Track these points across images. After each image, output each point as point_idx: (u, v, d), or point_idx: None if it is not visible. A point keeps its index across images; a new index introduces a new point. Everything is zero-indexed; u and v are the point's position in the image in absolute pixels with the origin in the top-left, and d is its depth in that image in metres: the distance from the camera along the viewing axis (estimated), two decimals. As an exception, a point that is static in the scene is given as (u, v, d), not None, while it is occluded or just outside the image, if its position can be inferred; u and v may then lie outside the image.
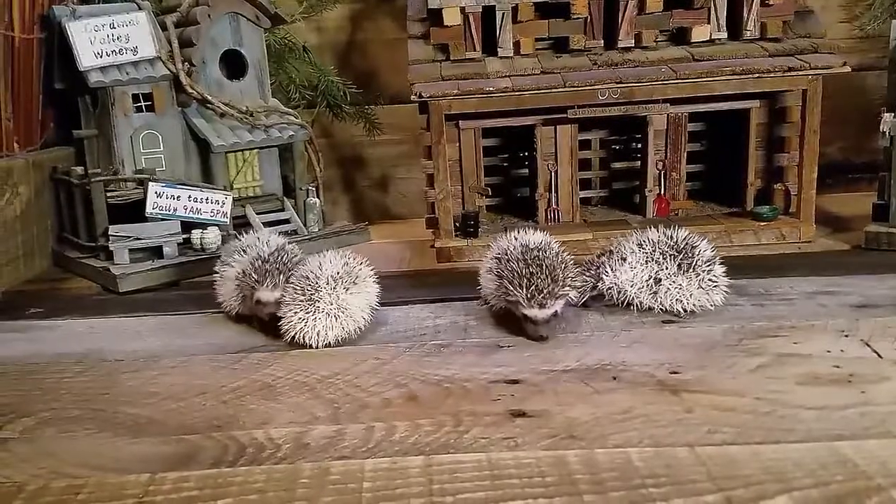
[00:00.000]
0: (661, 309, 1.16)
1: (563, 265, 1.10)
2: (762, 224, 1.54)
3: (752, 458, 0.76)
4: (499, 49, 1.54)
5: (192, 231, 1.54)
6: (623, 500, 0.70)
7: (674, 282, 1.15)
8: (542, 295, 1.06)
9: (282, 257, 1.16)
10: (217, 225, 1.56)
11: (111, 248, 1.47)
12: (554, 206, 1.63)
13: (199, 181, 1.62)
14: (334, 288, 1.09)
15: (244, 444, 0.84)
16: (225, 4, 1.63)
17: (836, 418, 0.83)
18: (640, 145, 1.65)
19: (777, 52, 1.50)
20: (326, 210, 1.82)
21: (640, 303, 1.17)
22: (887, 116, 1.43)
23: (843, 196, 1.94)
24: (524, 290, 1.06)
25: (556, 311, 1.08)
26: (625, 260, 1.18)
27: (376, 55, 2.04)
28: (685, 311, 1.15)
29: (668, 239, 1.18)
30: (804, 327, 1.08)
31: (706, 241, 1.18)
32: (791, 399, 0.88)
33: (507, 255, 1.12)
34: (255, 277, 1.14)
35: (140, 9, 1.58)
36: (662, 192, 1.62)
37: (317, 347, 1.09)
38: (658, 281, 1.16)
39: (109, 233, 1.48)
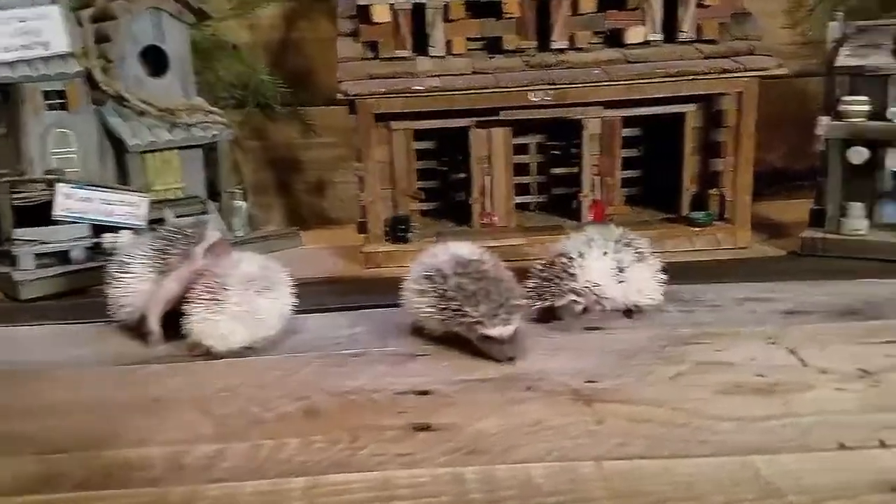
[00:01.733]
0: (625, 304, 1.11)
1: (507, 275, 1.02)
2: (697, 230, 1.50)
3: (662, 474, 0.71)
4: (430, 48, 1.49)
5: (104, 235, 1.45)
6: (517, 522, 0.65)
7: (635, 272, 1.10)
8: (503, 309, 0.97)
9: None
10: (131, 229, 1.48)
11: (14, 253, 1.39)
12: (489, 210, 1.57)
13: (115, 183, 1.53)
14: (246, 289, 1.02)
15: (115, 464, 0.77)
16: (145, -2, 1.56)
17: (755, 430, 0.79)
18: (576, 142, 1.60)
19: (713, 54, 1.47)
20: (258, 215, 1.75)
21: (609, 299, 1.10)
22: (824, 120, 1.40)
23: (784, 203, 1.91)
24: (481, 307, 0.96)
25: (518, 327, 0.99)
26: (583, 256, 1.09)
27: (312, 55, 1.97)
28: (639, 308, 1.11)
29: (610, 233, 1.12)
30: (729, 334, 1.04)
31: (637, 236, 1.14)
32: (708, 409, 0.83)
33: (440, 272, 1.02)
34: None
35: (53, 2, 1.49)
36: (598, 197, 1.58)
37: (218, 352, 1.01)
38: (622, 270, 1.09)
39: (13, 237, 1.40)
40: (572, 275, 1.08)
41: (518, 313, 0.98)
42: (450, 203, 1.70)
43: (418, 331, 1.08)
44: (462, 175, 1.67)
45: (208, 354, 1.02)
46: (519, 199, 1.63)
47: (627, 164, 1.63)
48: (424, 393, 0.91)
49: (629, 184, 1.66)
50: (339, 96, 1.40)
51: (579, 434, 0.79)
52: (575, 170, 1.62)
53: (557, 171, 1.69)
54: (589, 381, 0.91)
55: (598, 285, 1.08)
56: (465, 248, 1.06)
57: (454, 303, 0.99)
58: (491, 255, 1.06)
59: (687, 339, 1.03)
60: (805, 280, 1.27)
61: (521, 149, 1.64)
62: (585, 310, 1.10)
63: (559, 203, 1.68)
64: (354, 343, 1.08)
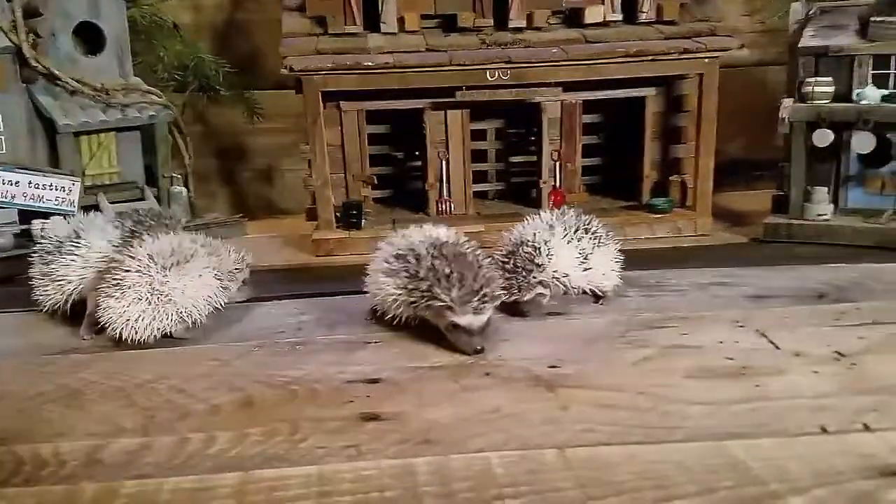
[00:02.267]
0: (589, 290, 1.05)
1: (486, 261, 0.95)
2: (657, 217, 1.45)
3: (628, 461, 0.65)
4: (382, 24, 1.42)
5: (34, 221, 1.35)
6: (472, 516, 0.58)
7: (598, 258, 1.05)
8: (477, 298, 0.88)
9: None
10: (63, 214, 1.38)
11: (-68, 240, 1.28)
12: (446, 196, 1.51)
13: (46, 166, 1.43)
14: (151, 270, 0.92)
15: (24, 459, 0.69)
16: (78, -30, 1.46)
17: (727, 415, 0.73)
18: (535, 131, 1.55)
19: (673, 34, 1.42)
20: (201, 204, 1.66)
21: (576, 288, 1.04)
22: (787, 102, 1.37)
23: (743, 195, 1.88)
24: (454, 292, 0.88)
25: (490, 317, 0.91)
26: (548, 243, 1.02)
27: (259, 37, 1.88)
28: (605, 292, 1.06)
29: (570, 217, 1.06)
30: (695, 318, 0.99)
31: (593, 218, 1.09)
32: (677, 394, 0.78)
33: (414, 251, 0.94)
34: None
35: (-25, -29, 1.39)
36: (558, 184, 1.52)
37: (134, 342, 0.92)
38: (586, 257, 1.04)
39: (-68, 222, 1.29)
40: (539, 265, 1.00)
41: (493, 303, 0.91)
42: (405, 190, 1.63)
43: (379, 319, 0.99)
44: (418, 162, 1.60)
45: (121, 343, 0.93)
46: (477, 188, 1.57)
47: (588, 151, 1.58)
48: (374, 381, 0.84)
49: (589, 172, 1.61)
50: (283, 72, 1.32)
51: (541, 421, 0.73)
52: (534, 158, 1.57)
53: (516, 159, 1.64)
54: (551, 367, 0.85)
55: (567, 275, 1.02)
56: (441, 230, 0.99)
57: (425, 283, 0.90)
58: (469, 240, 0.99)
59: (651, 324, 0.98)
60: (769, 266, 1.22)
61: (478, 135, 1.58)
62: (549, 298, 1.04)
63: (518, 192, 1.62)
64: (299, 332, 1.00)
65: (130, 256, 0.93)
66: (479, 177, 1.59)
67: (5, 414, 0.79)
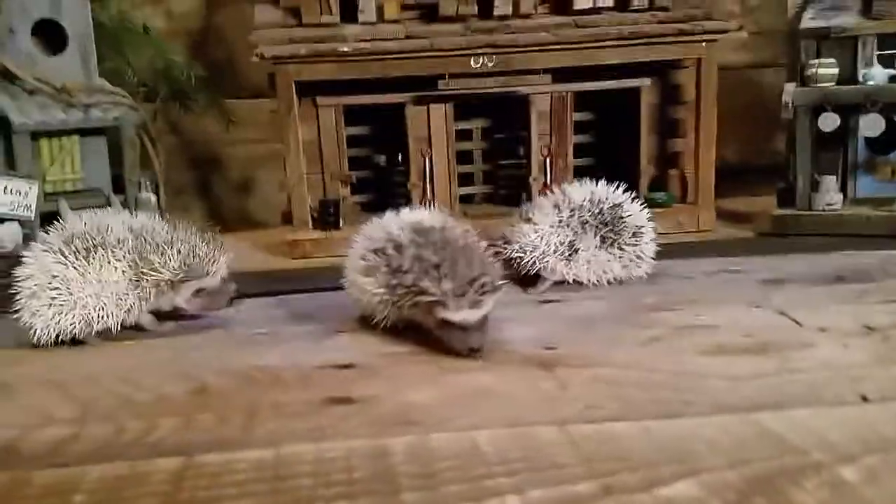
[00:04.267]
0: (573, 280, 0.97)
1: (482, 249, 0.81)
2: (657, 211, 1.35)
3: (642, 436, 0.55)
4: (359, 13, 1.34)
5: (-14, 226, 1.25)
6: (456, 496, 0.48)
7: (594, 255, 0.97)
8: (474, 290, 0.74)
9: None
10: (18, 220, 1.28)
11: None
12: (429, 197, 1.41)
13: (2, 170, 1.33)
14: (51, 258, 0.81)
15: (-75, 452, 0.58)
16: (38, -35, 1.38)
17: (753, 388, 0.63)
18: (524, 133, 1.47)
19: (668, 19, 1.35)
20: (175, 216, 1.55)
21: (553, 272, 0.97)
22: (789, 86, 1.29)
23: (743, 199, 1.80)
24: (445, 284, 0.74)
25: (488, 312, 0.76)
26: (533, 223, 0.97)
27: (236, 43, 1.80)
28: (598, 283, 0.98)
29: (591, 205, 0.99)
30: (706, 300, 0.90)
31: (638, 204, 1.02)
32: (693, 369, 0.68)
33: (395, 242, 0.80)
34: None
35: (-74, -38, 1.31)
36: (548, 181, 1.43)
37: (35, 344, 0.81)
38: (575, 250, 0.96)
39: None
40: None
41: (492, 294, 0.75)
42: (386, 194, 1.54)
43: (359, 318, 0.87)
44: (400, 167, 1.52)
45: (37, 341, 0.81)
46: (463, 190, 1.48)
47: (581, 151, 1.49)
48: (346, 367, 0.73)
49: (581, 172, 1.52)
50: (254, 58, 1.24)
51: (537, 399, 0.63)
52: (522, 159, 1.49)
53: (504, 162, 1.55)
54: (548, 348, 0.75)
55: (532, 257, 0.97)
56: (423, 214, 0.85)
57: (409, 276, 0.76)
58: (459, 221, 0.85)
59: (657, 307, 0.88)
60: (779, 255, 1.13)
61: (464, 135, 1.50)
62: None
63: (507, 195, 1.54)
64: (269, 323, 0.90)
65: (41, 238, 0.81)
66: (465, 180, 1.51)
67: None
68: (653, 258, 1.01)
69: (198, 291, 0.87)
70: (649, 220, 1.03)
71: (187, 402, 0.66)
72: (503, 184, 1.54)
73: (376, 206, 1.51)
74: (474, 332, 0.74)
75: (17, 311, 0.81)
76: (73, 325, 0.80)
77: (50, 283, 0.79)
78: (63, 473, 0.53)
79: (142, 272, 0.83)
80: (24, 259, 0.81)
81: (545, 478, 0.49)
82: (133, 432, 0.60)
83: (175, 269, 0.84)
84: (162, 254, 0.84)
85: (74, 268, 0.80)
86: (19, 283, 0.80)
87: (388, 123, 1.43)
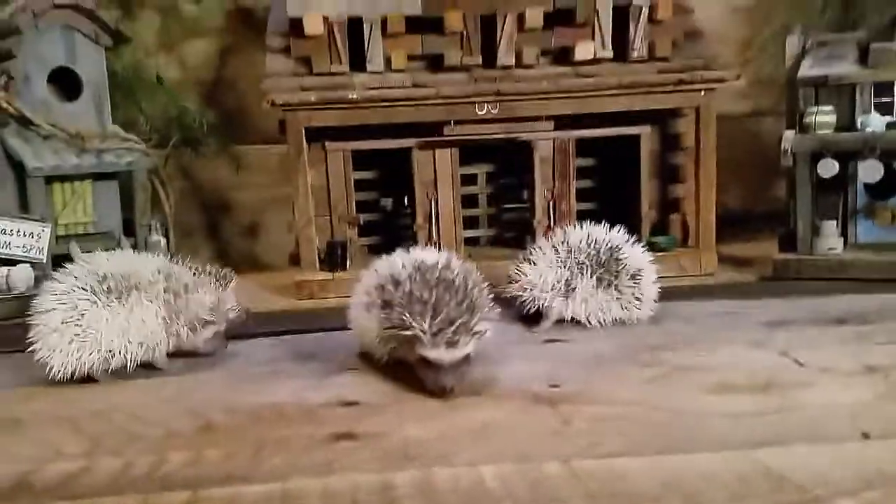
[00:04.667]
0: (571, 318, 0.99)
1: (476, 288, 0.80)
2: (659, 254, 1.37)
3: (647, 472, 0.55)
4: (367, 63, 1.37)
5: (-1, 268, 1.28)
6: (462, 528, 0.48)
7: (591, 295, 0.99)
8: (453, 330, 0.74)
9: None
10: (30, 262, 1.30)
11: None
12: (435, 239, 1.43)
13: (16, 212, 1.36)
14: (79, 295, 0.82)
15: (-62, 485, 0.59)
16: (56, 15, 1.43)
17: (755, 424, 0.64)
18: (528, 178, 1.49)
19: (667, 69, 1.38)
20: (183, 258, 1.58)
21: (551, 309, 0.99)
22: (788, 133, 1.31)
23: (743, 245, 1.81)
24: (426, 321, 0.74)
25: (469, 354, 0.76)
26: (532, 262, 1.00)
27: (246, 93, 1.85)
28: (600, 323, 1.00)
29: (588, 247, 1.02)
30: (708, 341, 0.91)
31: (638, 247, 1.04)
32: (697, 407, 0.69)
33: (394, 278, 0.81)
34: None
35: (-52, 12, 1.36)
36: (552, 224, 1.45)
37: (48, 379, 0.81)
38: (572, 289, 0.97)
39: None
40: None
41: (472, 336, 0.75)
42: (393, 237, 1.56)
43: (364, 356, 0.89)
44: (407, 210, 1.54)
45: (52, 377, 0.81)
46: (468, 233, 1.50)
47: (582, 196, 1.51)
48: (351, 404, 0.74)
49: (584, 216, 1.54)
50: (265, 105, 1.27)
51: (541, 434, 0.64)
52: (526, 203, 1.51)
53: (509, 206, 1.57)
54: (552, 386, 0.76)
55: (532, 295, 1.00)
56: (429, 254, 0.85)
57: (397, 311, 0.77)
58: (464, 262, 0.85)
59: (660, 346, 0.89)
60: (781, 298, 1.14)
61: (469, 180, 1.52)
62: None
63: (511, 238, 1.56)
64: (273, 362, 0.91)
65: (66, 274, 0.83)
66: (471, 223, 1.53)
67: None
68: (655, 300, 1.02)
69: (215, 333, 0.90)
70: (651, 262, 1.04)
71: (195, 438, 0.67)
72: (507, 227, 1.57)
73: (382, 249, 1.53)
74: (449, 373, 0.74)
75: (29, 348, 0.81)
76: (92, 362, 0.81)
77: (77, 321, 0.80)
78: (74, 505, 0.54)
79: (176, 313, 0.85)
80: (49, 295, 0.82)
81: (551, 511, 0.50)
82: (142, 466, 0.61)
83: (208, 311, 0.88)
84: (194, 294, 0.88)
85: (106, 306, 0.81)
86: (42, 318, 0.81)
87: (395, 168, 1.46)
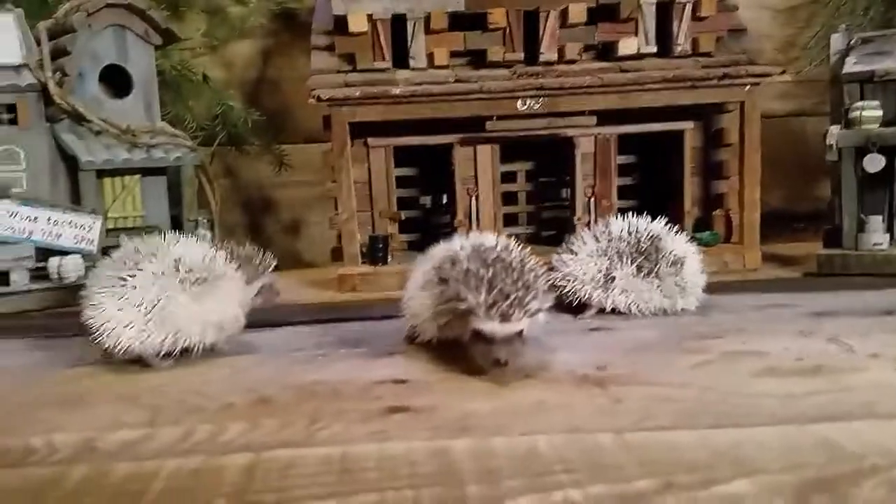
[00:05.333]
0: (613, 308, 1.00)
1: (532, 271, 0.79)
2: (702, 250, 1.37)
3: (698, 443, 0.56)
4: (410, 60, 1.39)
5: (51, 258, 1.31)
6: (519, 489, 0.49)
7: (630, 284, 0.99)
8: (508, 303, 0.74)
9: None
10: (81, 253, 1.34)
11: (-56, 272, 1.24)
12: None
13: (67, 205, 1.40)
14: (165, 279, 0.83)
15: (11, 448, 0.61)
16: (108, 15, 1.47)
17: (807, 405, 0.64)
18: (568, 178, 1.50)
19: (711, 64, 1.38)
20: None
21: (591, 299, 1.01)
22: (833, 129, 1.31)
23: (786, 244, 1.80)
24: (482, 294, 0.74)
25: (522, 331, 0.75)
26: (574, 252, 1.02)
27: (289, 92, 1.88)
28: (642, 312, 1.00)
29: (629, 235, 1.02)
30: (756, 330, 0.90)
31: (681, 237, 1.04)
32: (747, 389, 0.69)
33: (452, 257, 0.81)
34: None
35: (7, 11, 1.40)
36: (593, 221, 1.46)
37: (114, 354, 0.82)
38: (611, 278, 0.98)
39: (-54, 255, 1.25)
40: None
41: (527, 313, 0.75)
42: (432, 234, 1.57)
43: (411, 341, 0.89)
44: (444, 206, 1.56)
45: (110, 357, 0.83)
46: (507, 231, 1.51)
47: (623, 193, 1.51)
48: (401, 382, 0.75)
49: (624, 213, 1.54)
50: (311, 100, 1.29)
51: (592, 411, 0.64)
52: (566, 202, 1.52)
53: (548, 204, 1.58)
54: (599, 368, 0.76)
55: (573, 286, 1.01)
56: (489, 238, 0.85)
57: (453, 284, 0.77)
58: (521, 247, 0.85)
59: (706, 335, 0.89)
60: (826, 291, 1.13)
61: (509, 177, 1.53)
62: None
63: (550, 236, 1.56)
64: (322, 347, 0.92)
65: (152, 256, 0.85)
66: (509, 221, 1.54)
67: (-4, 415, 0.71)
68: (700, 290, 1.02)
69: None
70: (695, 252, 1.04)
71: (251, 410, 0.68)
72: (546, 225, 1.57)
73: (421, 245, 1.54)
74: (502, 347, 0.73)
75: (89, 331, 0.83)
76: (160, 345, 0.82)
77: (157, 303, 0.81)
78: (140, 466, 0.56)
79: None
80: (132, 276, 0.82)
81: (605, 476, 0.50)
82: (202, 433, 0.62)
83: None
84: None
85: (188, 292, 0.83)
86: (105, 299, 0.82)
87: (434, 164, 1.48)
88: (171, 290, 0.82)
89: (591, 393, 0.69)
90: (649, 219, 1.05)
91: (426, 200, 1.59)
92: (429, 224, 1.59)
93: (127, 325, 0.80)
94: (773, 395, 0.67)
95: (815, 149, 1.79)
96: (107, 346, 0.82)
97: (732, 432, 0.57)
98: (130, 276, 0.82)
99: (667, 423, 0.60)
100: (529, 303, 0.76)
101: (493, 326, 0.74)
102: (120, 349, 0.81)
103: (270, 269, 0.95)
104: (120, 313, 0.81)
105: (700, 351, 0.82)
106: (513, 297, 0.75)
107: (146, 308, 0.80)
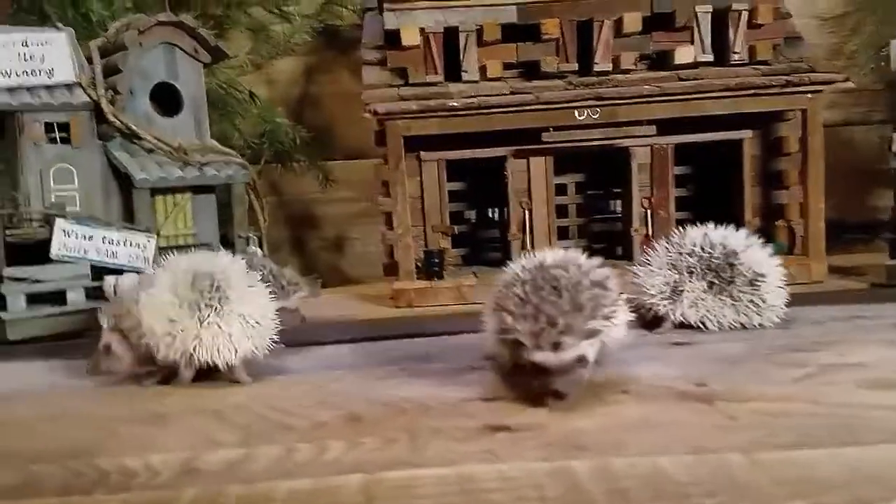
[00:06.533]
0: (680, 322, 0.97)
1: (591, 287, 0.73)
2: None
3: (831, 461, 0.53)
4: (463, 73, 1.38)
5: (106, 277, 1.30)
6: (661, 511, 0.47)
7: (700, 299, 0.96)
8: (557, 331, 0.68)
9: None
10: (136, 271, 1.33)
11: (2, 292, 1.23)
12: (528, 249, 1.42)
13: (121, 224, 1.39)
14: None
15: (108, 471, 0.59)
16: (159, 32, 1.47)
17: (931, 418, 0.61)
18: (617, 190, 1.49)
19: (770, 72, 1.36)
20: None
21: (664, 313, 0.97)
22: (895, 136, 1.28)
23: (842, 256, 1.76)
24: (528, 323, 0.69)
25: (583, 357, 0.69)
26: (647, 264, 0.99)
27: (332, 109, 1.88)
28: (718, 327, 0.97)
29: (702, 251, 0.98)
30: (845, 342, 0.87)
31: (761, 251, 1.00)
32: (858, 401, 0.66)
33: (509, 281, 0.75)
34: None
35: (60, 29, 1.40)
36: (650, 232, 1.43)
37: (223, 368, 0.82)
38: (679, 292, 0.95)
39: (4, 274, 1.24)
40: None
41: (581, 337, 0.69)
42: (482, 248, 1.56)
43: (486, 358, 0.85)
44: (495, 220, 1.54)
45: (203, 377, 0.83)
46: (560, 245, 1.48)
47: (679, 204, 1.48)
48: (491, 400, 0.73)
49: (680, 225, 1.52)
50: (366, 115, 1.28)
51: (708, 428, 0.61)
52: (616, 214, 1.50)
53: (600, 216, 1.56)
54: (699, 385, 0.73)
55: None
56: (558, 253, 0.78)
57: (506, 315, 0.71)
58: (592, 260, 0.78)
59: (797, 348, 0.86)
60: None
61: (559, 189, 1.51)
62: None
63: (600, 249, 1.53)
64: (395, 362, 0.90)
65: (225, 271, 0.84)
66: (561, 234, 1.51)
67: (79, 434, 0.69)
68: (782, 306, 0.98)
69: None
70: (776, 267, 1.00)
71: (345, 428, 0.66)
72: (597, 238, 1.55)
73: (471, 260, 1.53)
74: (557, 377, 0.68)
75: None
76: (221, 360, 0.81)
77: (251, 315, 0.81)
78: (251, 488, 0.53)
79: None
80: (236, 291, 0.82)
81: (747, 498, 0.48)
82: (305, 453, 0.60)
83: None
84: None
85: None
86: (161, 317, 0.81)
87: (480, 178, 1.46)
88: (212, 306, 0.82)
89: (698, 409, 0.66)
90: (728, 231, 1.01)
91: (471, 214, 1.57)
92: (476, 238, 1.57)
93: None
94: (888, 407, 0.64)
95: (864, 158, 1.76)
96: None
97: (859, 450, 0.55)
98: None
99: (790, 441, 0.57)
100: (584, 325, 0.70)
101: (545, 356, 0.68)
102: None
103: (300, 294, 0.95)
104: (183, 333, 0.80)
105: (795, 364, 0.79)
106: (561, 323, 0.69)
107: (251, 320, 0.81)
